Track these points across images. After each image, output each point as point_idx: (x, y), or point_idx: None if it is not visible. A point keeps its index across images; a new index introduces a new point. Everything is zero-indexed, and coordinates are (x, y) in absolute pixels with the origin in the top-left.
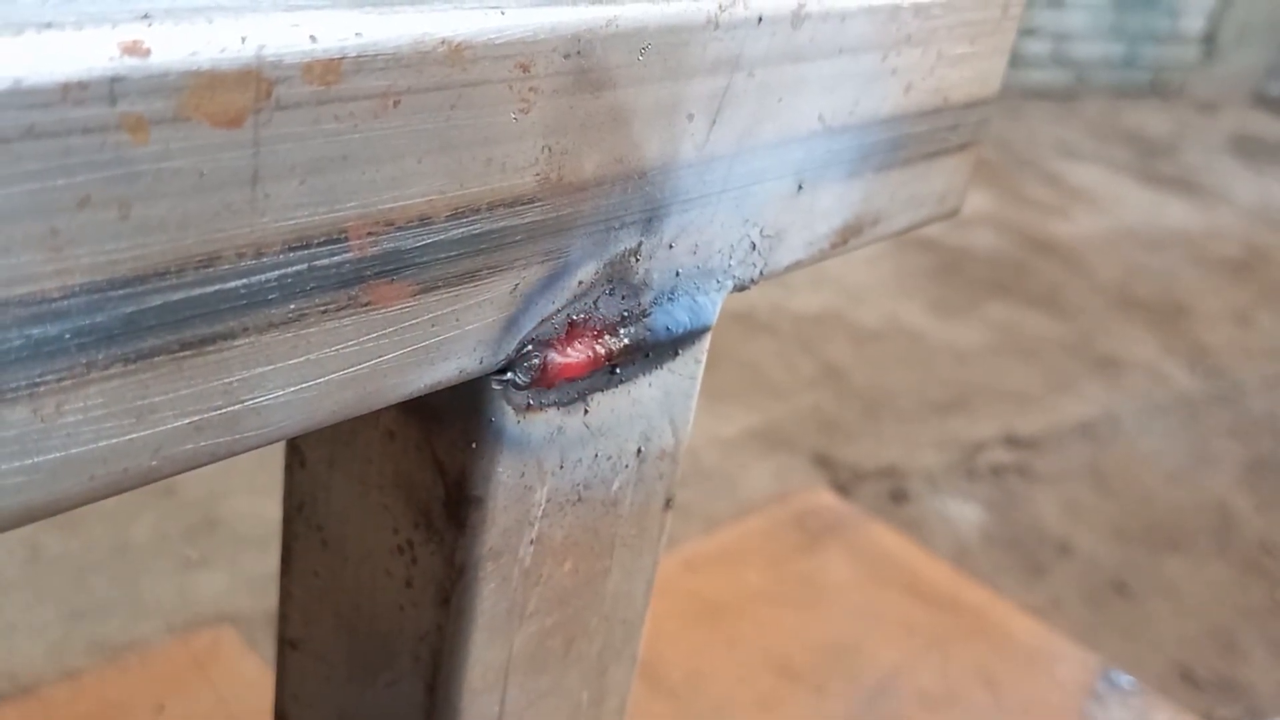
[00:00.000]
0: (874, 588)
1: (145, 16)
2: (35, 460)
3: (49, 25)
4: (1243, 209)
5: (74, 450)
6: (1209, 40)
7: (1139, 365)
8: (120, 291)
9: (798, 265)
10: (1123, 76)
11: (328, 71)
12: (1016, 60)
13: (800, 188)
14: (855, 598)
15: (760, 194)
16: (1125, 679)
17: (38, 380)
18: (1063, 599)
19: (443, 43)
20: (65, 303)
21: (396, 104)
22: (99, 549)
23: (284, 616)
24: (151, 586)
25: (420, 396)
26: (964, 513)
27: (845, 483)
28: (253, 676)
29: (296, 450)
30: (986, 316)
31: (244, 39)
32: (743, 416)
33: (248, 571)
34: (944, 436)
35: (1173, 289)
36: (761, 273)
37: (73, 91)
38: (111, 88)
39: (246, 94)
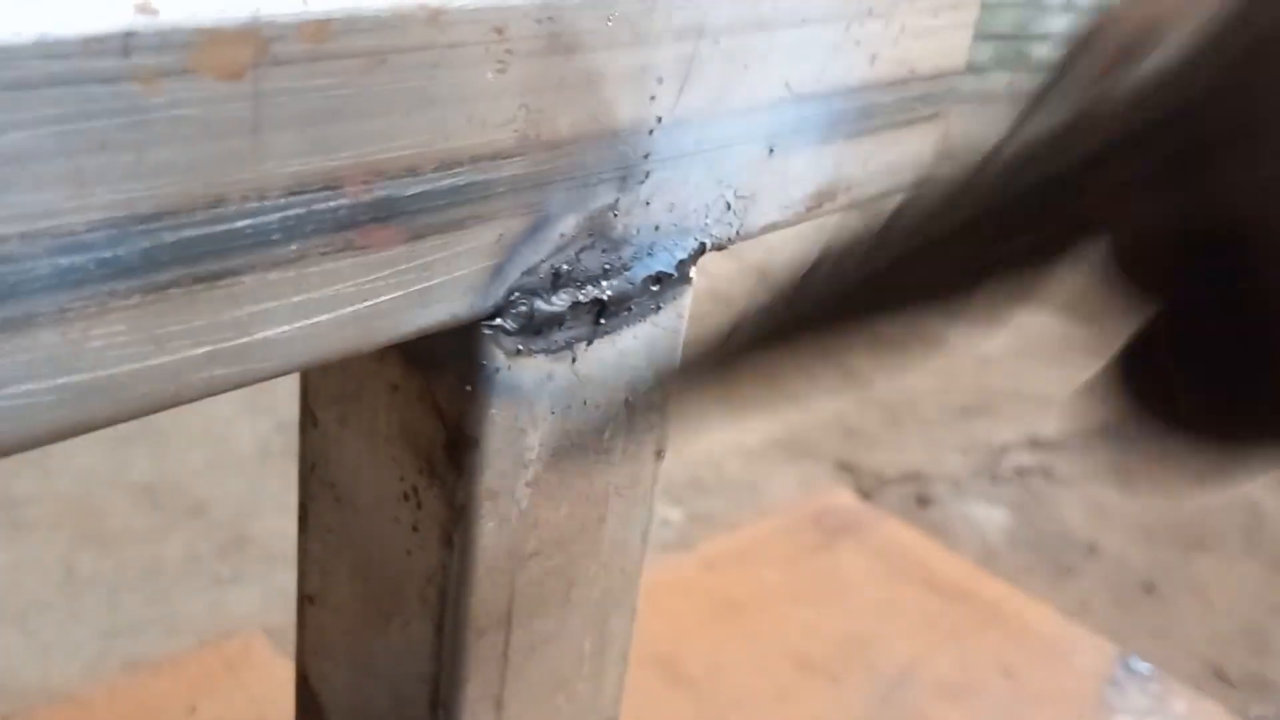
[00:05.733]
0: (891, 582)
1: None
2: (65, 380)
3: None
4: None
5: (100, 372)
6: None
7: None
8: (138, 227)
9: (774, 227)
10: None
11: (319, 31)
12: (1032, 66)
13: (771, 152)
14: (872, 592)
15: (732, 157)
16: (1143, 666)
17: (65, 306)
18: (1091, 600)
19: (422, 7)
20: (88, 236)
21: (383, 62)
22: (132, 569)
23: (302, 574)
24: (184, 604)
25: (421, 347)
26: (989, 516)
27: (869, 489)
28: (283, 679)
29: (309, 411)
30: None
31: (242, 1)
32: (765, 426)
33: (279, 587)
34: (967, 441)
35: None
36: (738, 232)
37: (91, 45)
38: (125, 42)
39: (246, 50)
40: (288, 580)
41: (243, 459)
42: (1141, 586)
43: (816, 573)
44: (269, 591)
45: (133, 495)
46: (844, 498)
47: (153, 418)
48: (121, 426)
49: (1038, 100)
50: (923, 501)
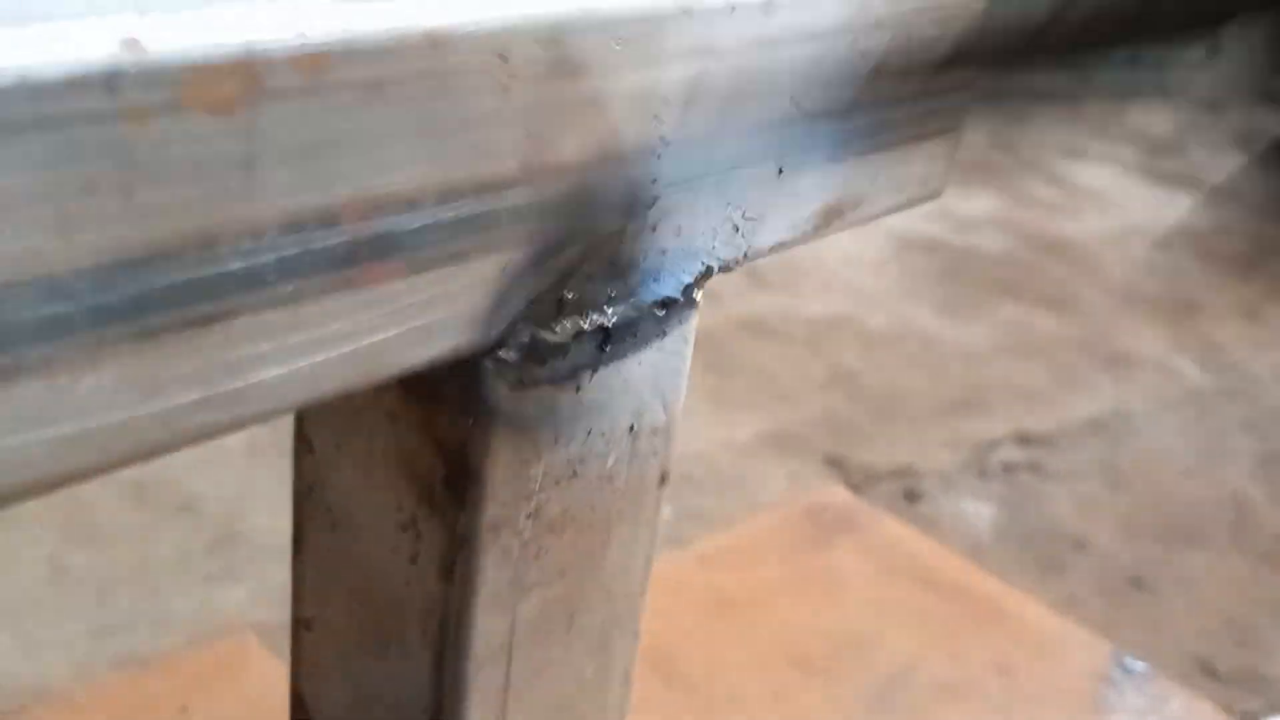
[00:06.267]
0: (887, 580)
1: (142, 12)
2: (53, 432)
3: (52, 21)
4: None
5: (89, 422)
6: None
7: (1150, 362)
8: (127, 272)
9: (781, 246)
10: (1127, 77)
11: (315, 63)
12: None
13: (780, 171)
14: (868, 590)
15: (740, 177)
16: (1138, 665)
17: (52, 355)
18: (1079, 595)
19: (423, 35)
20: (75, 282)
21: (381, 91)
22: (122, 566)
23: (297, 598)
24: (175, 601)
25: (420, 377)
26: (978, 511)
27: (858, 484)
28: (275, 679)
29: (304, 436)
30: (996, 317)
31: (234, 33)
32: (755, 422)
33: (269, 584)
34: (956, 436)
35: (1182, 285)
36: (745, 254)
37: (75, 84)
38: (110, 80)
39: (238, 84)
40: (278, 576)
41: (232, 455)
42: (1129, 581)
43: (812, 570)
44: (259, 588)
45: (122, 491)
46: (839, 495)
47: None
48: None
49: None
50: (911, 497)
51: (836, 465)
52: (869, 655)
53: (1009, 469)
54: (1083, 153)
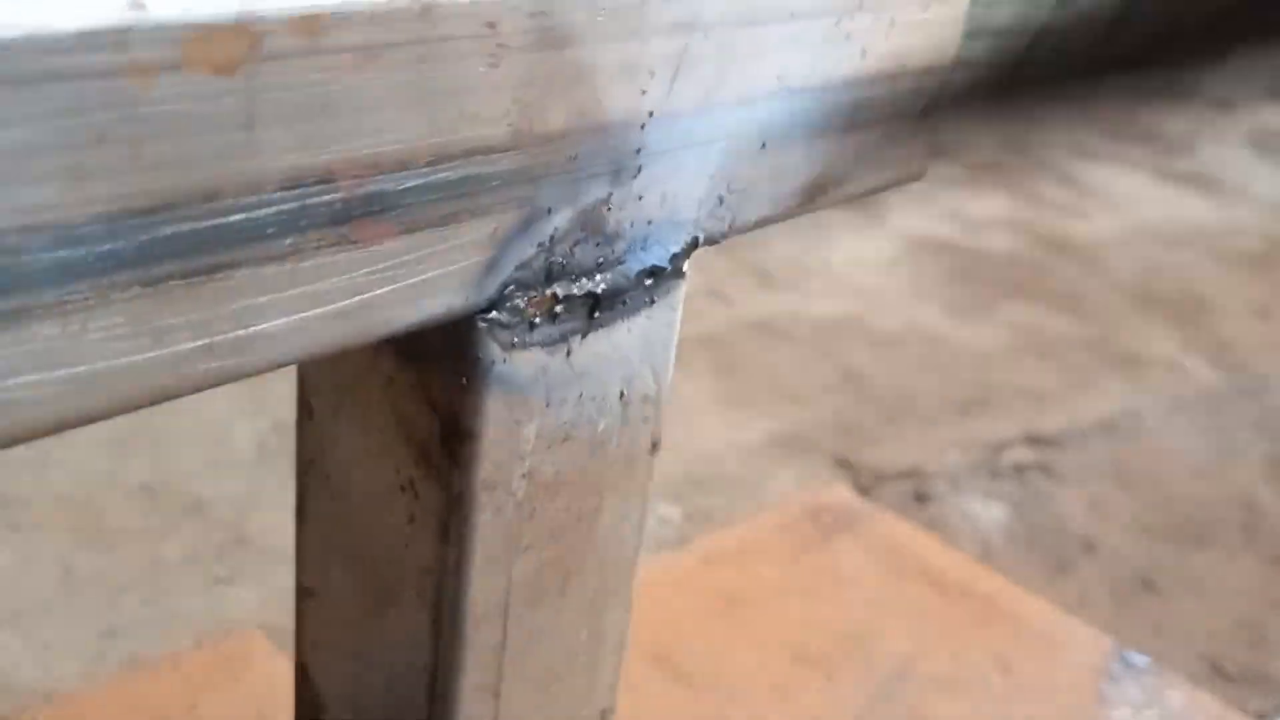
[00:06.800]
0: (888, 577)
1: None
2: (65, 372)
3: None
4: (1262, 203)
5: (99, 364)
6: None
7: (1160, 362)
8: (134, 221)
9: (766, 221)
10: (1138, 76)
11: (311, 26)
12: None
13: (764, 146)
14: (870, 587)
15: (725, 151)
16: (1140, 659)
17: (65, 299)
18: (1089, 596)
19: (413, 1)
20: (86, 229)
21: (375, 57)
22: (131, 568)
23: (300, 566)
24: (183, 604)
25: (415, 339)
26: (988, 512)
27: (867, 485)
28: (282, 677)
29: (305, 404)
30: (1005, 317)
31: None
32: (764, 423)
33: (277, 586)
34: (966, 437)
35: (1192, 285)
36: (731, 226)
37: (86, 39)
38: (120, 37)
39: (238, 45)
40: (286, 580)
41: (241, 459)
42: (1140, 583)
43: (814, 568)
44: (267, 591)
45: (131, 495)
46: (841, 493)
47: (150, 417)
48: (119, 426)
49: None
50: (921, 498)
51: (846, 466)
52: (870, 652)
53: (1019, 470)
54: (1094, 153)
